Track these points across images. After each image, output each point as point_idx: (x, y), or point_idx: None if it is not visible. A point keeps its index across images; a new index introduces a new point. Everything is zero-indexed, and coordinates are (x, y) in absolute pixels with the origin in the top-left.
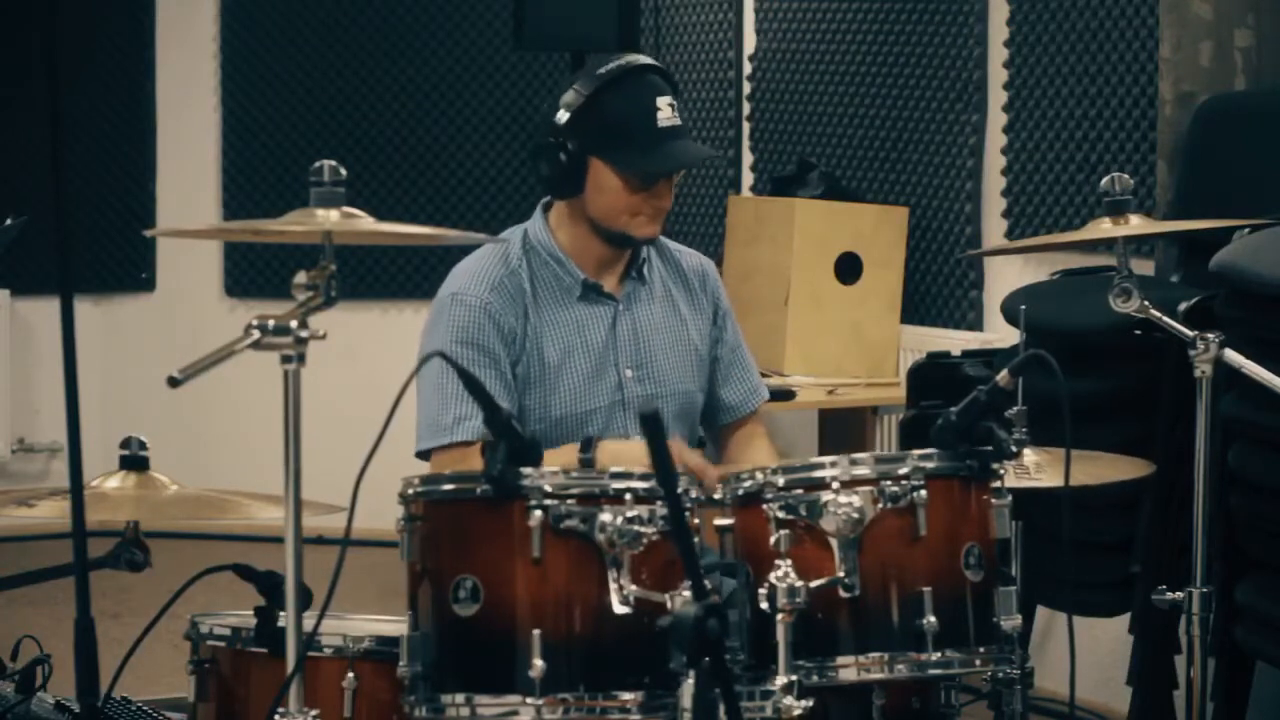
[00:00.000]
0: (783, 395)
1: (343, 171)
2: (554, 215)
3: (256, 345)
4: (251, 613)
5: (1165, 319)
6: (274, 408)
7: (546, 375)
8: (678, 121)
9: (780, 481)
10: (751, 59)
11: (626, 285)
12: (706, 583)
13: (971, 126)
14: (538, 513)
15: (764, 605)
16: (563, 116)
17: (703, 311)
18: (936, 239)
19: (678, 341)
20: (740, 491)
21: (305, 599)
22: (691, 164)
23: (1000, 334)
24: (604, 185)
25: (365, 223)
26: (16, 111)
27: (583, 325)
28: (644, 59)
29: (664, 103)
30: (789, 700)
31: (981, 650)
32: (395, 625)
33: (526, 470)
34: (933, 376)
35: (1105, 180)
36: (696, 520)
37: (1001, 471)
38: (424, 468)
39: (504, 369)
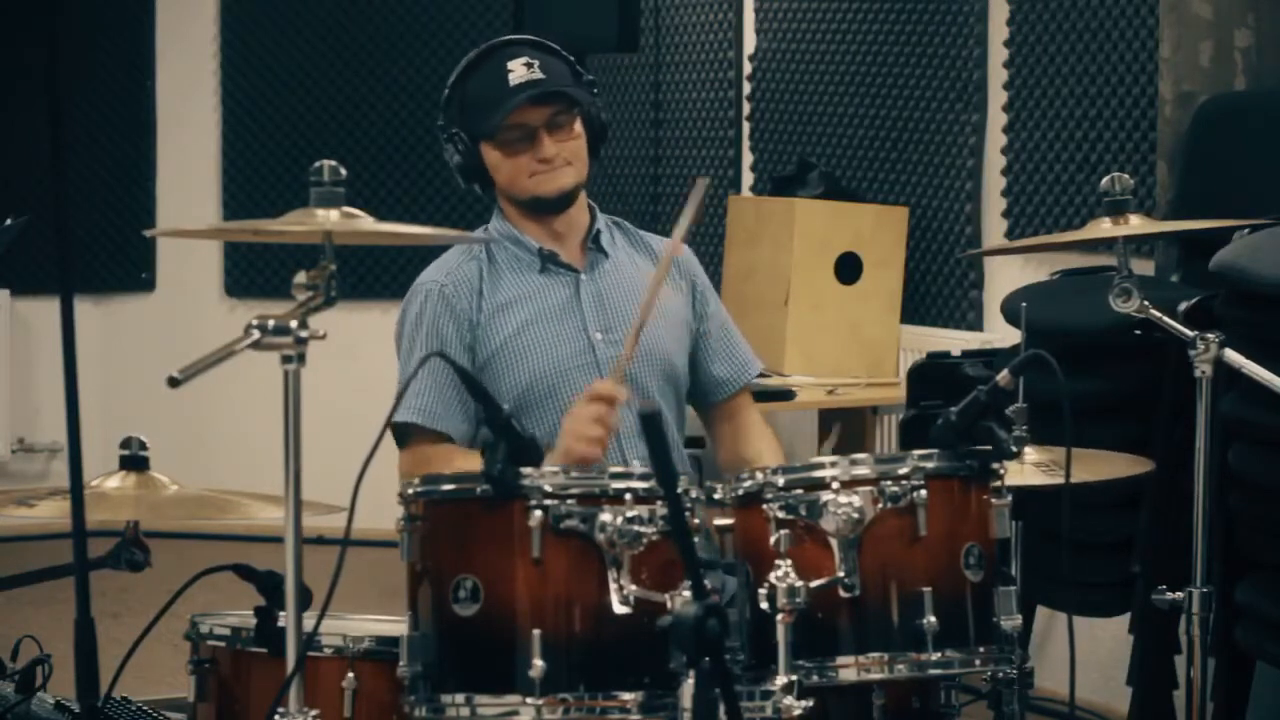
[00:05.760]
0: (783, 395)
1: (343, 171)
2: (503, 208)
3: (256, 345)
4: (251, 613)
5: (1165, 319)
6: (274, 408)
7: (507, 345)
8: (537, 75)
9: (780, 481)
10: (751, 59)
11: (588, 256)
12: (706, 583)
13: (971, 126)
14: (538, 513)
15: (764, 605)
16: (440, 119)
17: (677, 287)
18: (936, 239)
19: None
20: (740, 491)
21: (305, 599)
22: (536, 94)
23: (1000, 334)
24: (494, 163)
25: (365, 223)
26: (16, 111)
27: (542, 293)
28: (503, 37)
29: (516, 64)
30: (789, 700)
31: (981, 650)
32: (395, 625)
33: (526, 470)
34: (933, 376)
35: (1105, 180)
36: (697, 520)
37: (1002, 471)
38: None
39: (459, 349)
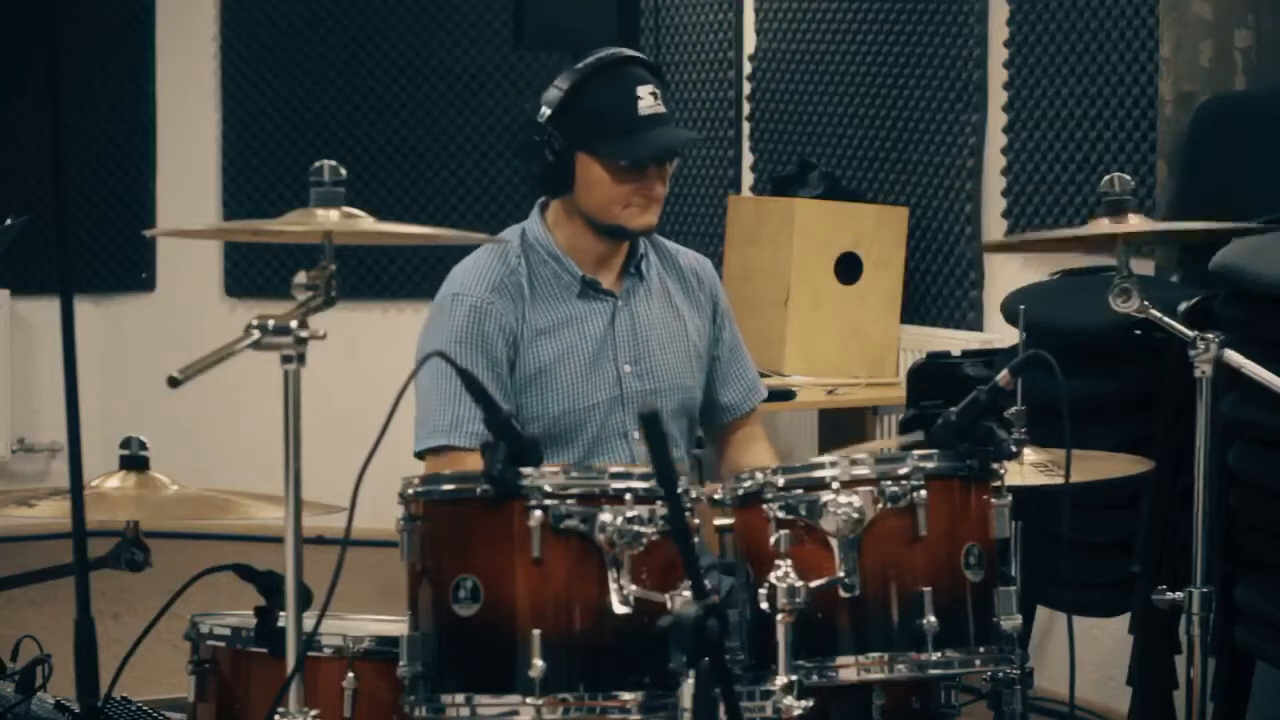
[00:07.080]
0: (783, 395)
1: (343, 171)
2: (550, 213)
3: (256, 345)
4: (251, 613)
5: (1165, 319)
6: (274, 408)
7: (544, 373)
8: (661, 109)
9: (780, 481)
10: (751, 59)
11: (625, 281)
12: (706, 583)
13: (971, 126)
14: (538, 513)
15: (764, 605)
16: (545, 113)
17: (701, 309)
18: (936, 239)
19: (675, 338)
20: (740, 491)
21: (305, 599)
22: (676, 149)
23: (1000, 334)
24: (592, 179)
25: (365, 223)
26: (17, 112)
27: (581, 321)
28: (625, 51)
29: (645, 91)
30: (789, 700)
31: (981, 650)
32: (395, 625)
33: (526, 470)
34: (933, 376)
35: (1105, 180)
36: (697, 520)
37: (1002, 471)
38: (424, 467)
39: (501, 370)
